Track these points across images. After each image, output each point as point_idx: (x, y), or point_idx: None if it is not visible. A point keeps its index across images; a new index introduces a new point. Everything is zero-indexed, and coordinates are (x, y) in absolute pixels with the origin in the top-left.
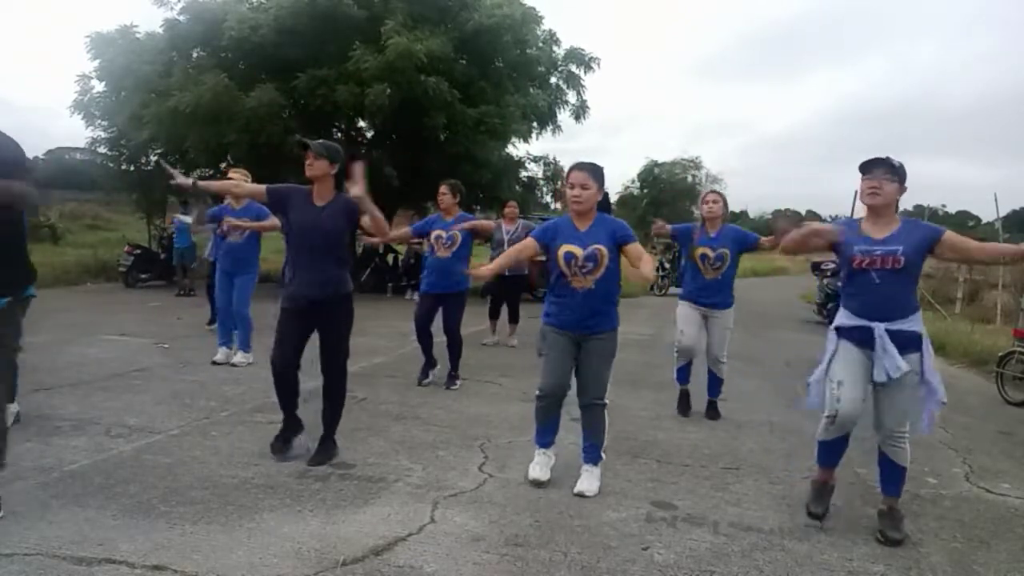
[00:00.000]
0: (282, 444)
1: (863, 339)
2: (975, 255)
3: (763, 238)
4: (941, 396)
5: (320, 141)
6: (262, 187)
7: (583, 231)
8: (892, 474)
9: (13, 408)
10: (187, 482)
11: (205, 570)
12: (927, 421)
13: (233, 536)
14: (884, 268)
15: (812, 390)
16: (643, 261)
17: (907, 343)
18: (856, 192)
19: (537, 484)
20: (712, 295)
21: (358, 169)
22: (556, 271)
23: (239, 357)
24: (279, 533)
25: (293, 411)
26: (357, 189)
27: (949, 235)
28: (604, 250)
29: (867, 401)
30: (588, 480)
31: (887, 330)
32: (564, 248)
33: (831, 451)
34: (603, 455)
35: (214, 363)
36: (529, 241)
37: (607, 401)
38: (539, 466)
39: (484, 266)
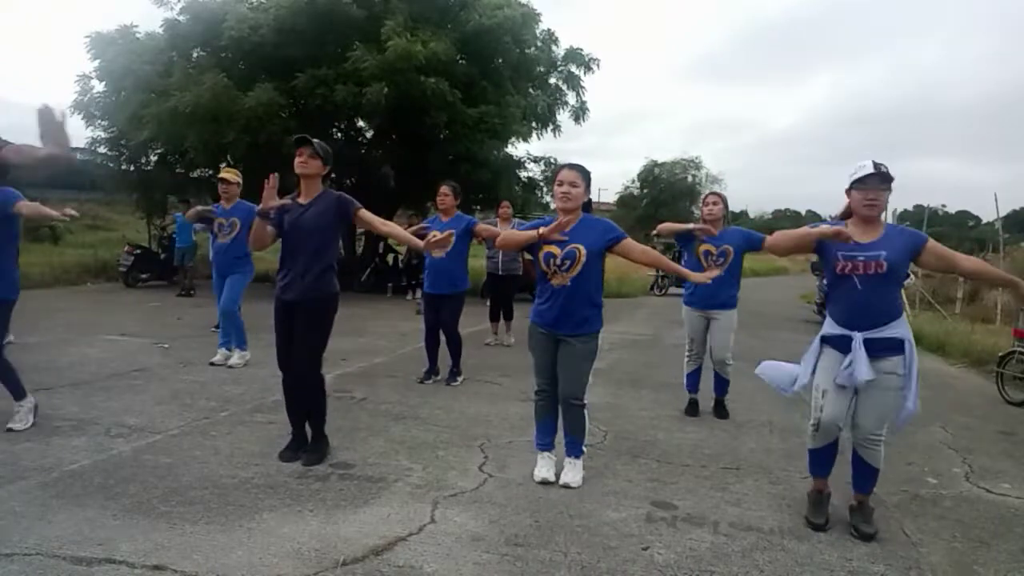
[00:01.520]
0: (290, 455)
1: (845, 347)
2: (962, 265)
3: (768, 237)
4: (914, 407)
5: (319, 141)
6: (269, 230)
7: (566, 231)
8: (865, 473)
9: (30, 402)
10: (187, 482)
11: (205, 570)
12: (901, 421)
13: (233, 536)
14: (867, 273)
15: (779, 375)
16: (643, 252)
17: (889, 348)
18: (848, 203)
19: (546, 483)
20: (714, 295)
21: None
22: (539, 270)
23: (235, 358)
24: (279, 533)
25: (302, 425)
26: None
27: (932, 243)
28: (583, 249)
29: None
30: (572, 472)
31: (868, 338)
32: (545, 248)
33: (821, 460)
34: (584, 449)
35: (212, 364)
36: (532, 233)
37: (586, 401)
38: (544, 468)
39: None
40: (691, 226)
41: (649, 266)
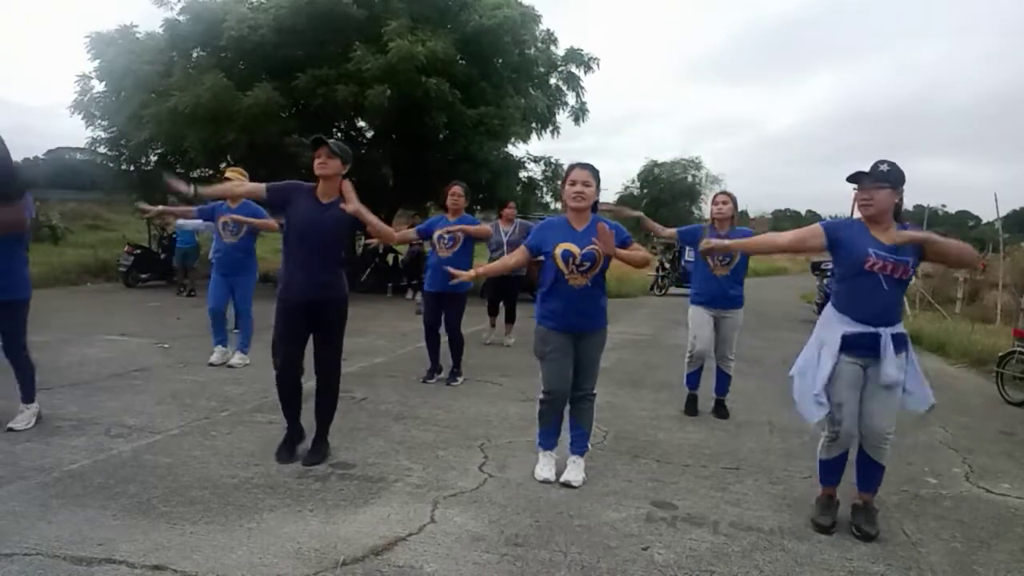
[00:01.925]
0: (287, 455)
1: (867, 345)
2: (954, 258)
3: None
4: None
5: (335, 141)
6: (261, 186)
7: (580, 231)
8: (871, 472)
9: (36, 407)
10: (187, 482)
11: (205, 570)
12: (925, 398)
13: (233, 536)
14: (894, 276)
15: (805, 402)
16: (639, 255)
17: (901, 345)
18: (853, 200)
19: (547, 482)
20: (723, 295)
21: (347, 189)
22: (553, 270)
23: (237, 359)
24: (279, 533)
25: (296, 418)
26: (351, 206)
27: (930, 247)
28: (601, 250)
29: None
30: (575, 471)
31: (892, 334)
32: (562, 247)
33: (833, 469)
34: (588, 446)
35: (211, 365)
36: (521, 250)
37: (596, 392)
38: (546, 466)
39: (473, 270)
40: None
41: (643, 265)
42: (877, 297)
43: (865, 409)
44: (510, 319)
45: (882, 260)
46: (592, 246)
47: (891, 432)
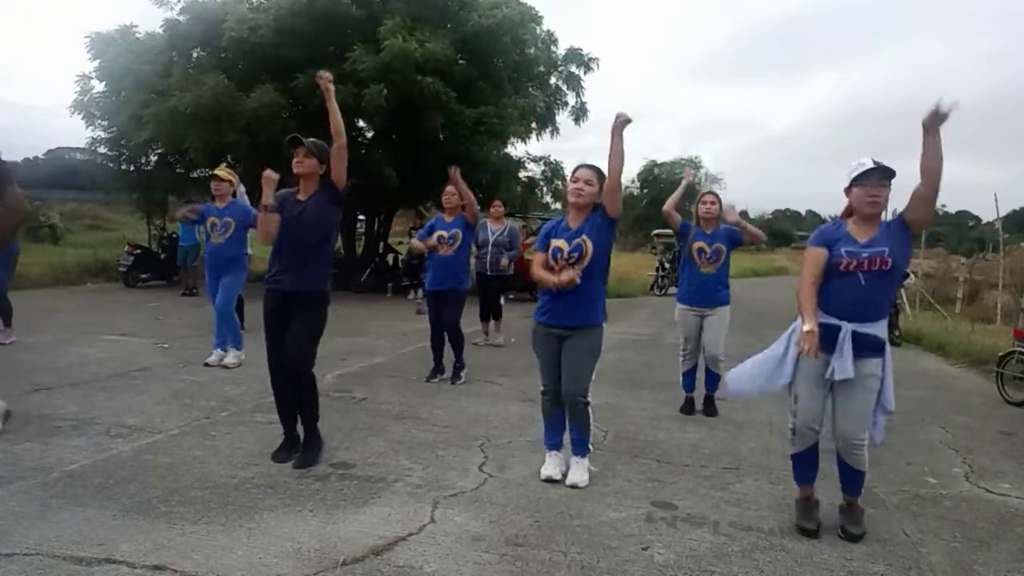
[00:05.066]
0: (284, 455)
1: (826, 336)
2: (923, 190)
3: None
4: (889, 405)
5: (312, 140)
6: (276, 217)
7: (573, 228)
8: (851, 477)
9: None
10: (187, 482)
11: (205, 570)
12: (878, 430)
13: (233, 536)
14: (872, 270)
15: (742, 374)
16: (612, 184)
17: (873, 347)
18: (849, 202)
19: (551, 481)
20: (707, 293)
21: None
22: (546, 267)
23: (230, 357)
24: (279, 533)
25: (293, 425)
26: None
27: (906, 208)
28: (589, 242)
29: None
30: (578, 472)
31: (855, 332)
32: (552, 243)
33: (803, 464)
34: (591, 447)
35: (206, 365)
36: (539, 256)
37: (590, 400)
38: (551, 466)
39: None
40: (683, 184)
41: (616, 173)
42: (854, 293)
43: (834, 409)
44: (496, 316)
45: (855, 259)
46: (579, 239)
47: (862, 438)
